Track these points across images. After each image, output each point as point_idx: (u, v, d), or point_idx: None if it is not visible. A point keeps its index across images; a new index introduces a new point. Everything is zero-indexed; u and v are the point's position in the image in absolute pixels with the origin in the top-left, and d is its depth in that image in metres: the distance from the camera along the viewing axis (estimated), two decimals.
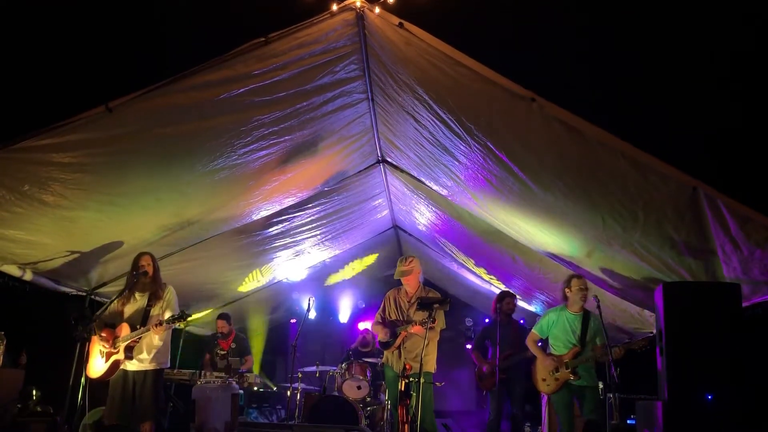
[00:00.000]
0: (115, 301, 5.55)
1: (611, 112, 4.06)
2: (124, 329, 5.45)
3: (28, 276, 5.91)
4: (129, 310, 5.60)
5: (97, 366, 5.43)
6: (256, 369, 10.68)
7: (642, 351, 5.53)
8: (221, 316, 8.84)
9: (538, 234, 6.01)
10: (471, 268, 8.99)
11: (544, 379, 6.05)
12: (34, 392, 5.61)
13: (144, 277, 5.56)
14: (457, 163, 5.50)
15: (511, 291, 8.13)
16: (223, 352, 8.57)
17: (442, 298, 5.66)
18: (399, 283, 6.19)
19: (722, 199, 3.97)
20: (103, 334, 5.43)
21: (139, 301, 5.62)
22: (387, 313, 6.09)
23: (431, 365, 5.80)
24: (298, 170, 6.11)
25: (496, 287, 8.95)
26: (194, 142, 4.88)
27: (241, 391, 8.11)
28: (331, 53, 4.48)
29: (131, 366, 5.45)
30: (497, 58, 3.92)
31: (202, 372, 7.57)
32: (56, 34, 4.08)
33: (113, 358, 5.40)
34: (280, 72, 4.40)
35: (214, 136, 4.87)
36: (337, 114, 5.38)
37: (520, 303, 9.04)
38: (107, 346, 5.43)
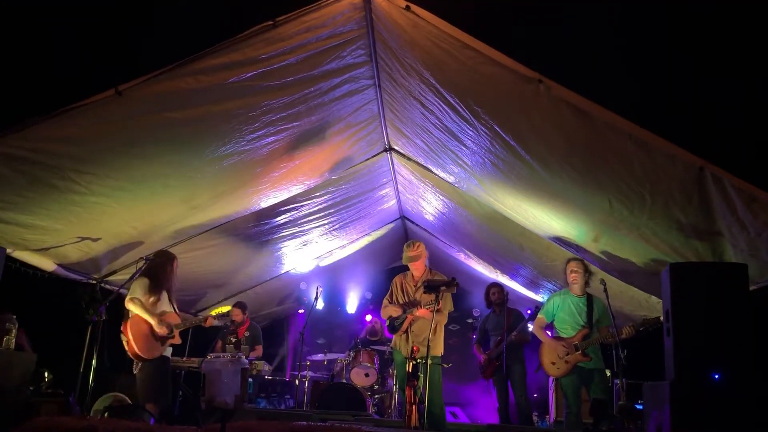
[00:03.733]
0: (146, 296, 5.76)
1: (616, 92, 4.05)
2: (174, 317, 5.83)
3: (40, 262, 5.98)
4: (162, 304, 5.87)
5: (154, 348, 5.66)
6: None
7: (652, 330, 5.54)
8: (237, 305, 8.91)
9: (546, 219, 6.02)
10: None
11: (553, 363, 6.07)
12: (46, 374, 5.68)
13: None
14: (464, 148, 5.51)
15: (496, 281, 8.21)
16: (235, 340, 8.62)
17: (448, 281, 5.69)
18: (406, 268, 6.23)
19: (729, 178, 3.97)
20: (163, 320, 5.73)
21: (163, 294, 5.93)
22: (395, 297, 6.14)
23: (438, 348, 5.83)
24: (305, 157, 6.14)
25: (507, 278, 8.98)
26: (203, 127, 4.91)
27: (250, 380, 8.17)
28: (339, 37, 4.51)
29: (167, 352, 5.84)
30: (504, 39, 3.92)
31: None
32: (65, 17, 4.10)
33: (169, 341, 5.78)
34: (287, 56, 4.42)
35: (222, 121, 4.90)
36: (344, 100, 5.41)
37: (527, 293, 9.08)
38: (165, 331, 5.71)
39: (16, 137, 4.19)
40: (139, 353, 5.50)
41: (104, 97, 4.10)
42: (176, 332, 5.85)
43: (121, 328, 5.56)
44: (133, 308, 5.57)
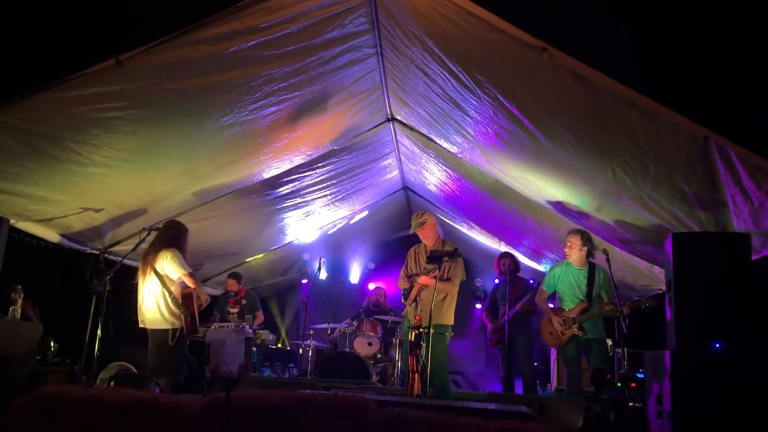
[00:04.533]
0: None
1: (621, 60, 4.00)
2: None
3: (43, 233, 5.99)
4: None
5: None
6: None
7: (649, 309, 5.56)
8: (231, 275, 8.97)
9: (549, 189, 6.01)
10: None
11: (551, 333, 6.14)
12: (51, 344, 5.73)
13: None
14: (467, 118, 5.48)
15: (508, 252, 8.26)
16: (234, 311, 8.69)
17: (451, 251, 5.70)
18: (410, 239, 6.26)
19: (733, 148, 3.94)
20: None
21: None
22: (409, 267, 6.16)
23: (444, 317, 5.82)
24: (307, 128, 6.12)
25: (507, 248, 9.00)
26: (204, 97, 4.87)
27: (254, 349, 8.25)
28: (340, 5, 4.45)
29: None
30: (507, 6, 3.86)
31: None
32: None
33: None
34: (288, 25, 4.37)
35: (224, 91, 4.86)
36: (346, 69, 5.36)
37: (530, 263, 9.11)
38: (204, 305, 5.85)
39: (16, 108, 4.17)
40: (198, 329, 5.52)
41: (104, 67, 4.06)
42: None
43: (185, 303, 5.54)
44: (192, 283, 5.56)
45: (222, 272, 9.53)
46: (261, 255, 9.92)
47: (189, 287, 5.60)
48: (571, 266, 6.21)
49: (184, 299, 5.52)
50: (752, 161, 3.97)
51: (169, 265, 5.56)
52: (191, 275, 5.56)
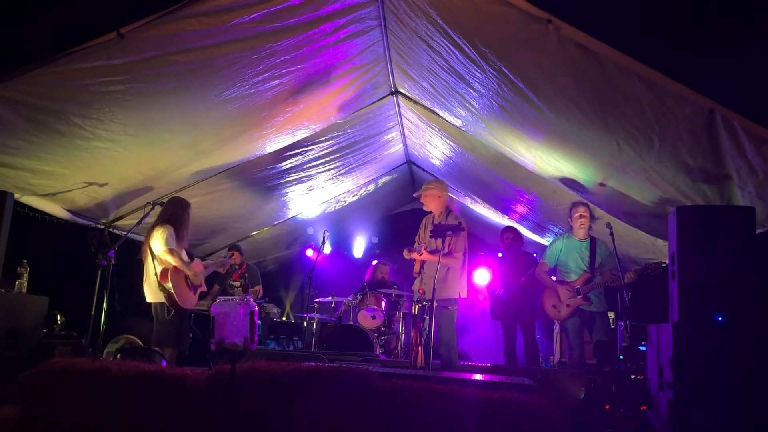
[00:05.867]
0: (178, 246, 5.82)
1: (626, 32, 3.96)
2: (199, 265, 5.93)
3: (47, 207, 6.01)
4: (184, 252, 5.90)
5: (191, 298, 5.78)
6: None
7: (654, 274, 5.59)
8: (232, 248, 8.98)
9: (553, 162, 5.99)
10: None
11: (554, 306, 6.15)
12: (58, 317, 5.78)
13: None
14: (471, 90, 5.44)
15: (511, 226, 8.26)
16: (237, 284, 8.72)
17: (454, 226, 5.69)
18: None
19: (739, 120, 3.92)
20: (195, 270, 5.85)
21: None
22: (419, 237, 6.13)
23: (447, 291, 5.74)
24: (310, 101, 6.08)
25: (510, 222, 9.00)
26: (207, 70, 4.84)
27: (259, 322, 8.29)
28: None
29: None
30: None
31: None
32: None
33: (199, 289, 5.90)
34: None
35: (226, 64, 4.83)
36: (348, 42, 5.31)
37: (533, 237, 9.12)
38: (201, 281, 5.92)
39: (18, 82, 4.16)
40: (180, 304, 5.54)
41: (106, 40, 4.04)
42: (202, 280, 5.94)
43: (160, 279, 5.54)
44: (172, 260, 5.54)
45: (225, 246, 9.56)
46: (265, 229, 9.95)
47: (168, 264, 5.60)
48: (573, 239, 6.23)
49: (161, 275, 5.55)
50: (758, 134, 3.95)
51: (156, 240, 5.60)
52: (171, 252, 5.55)
